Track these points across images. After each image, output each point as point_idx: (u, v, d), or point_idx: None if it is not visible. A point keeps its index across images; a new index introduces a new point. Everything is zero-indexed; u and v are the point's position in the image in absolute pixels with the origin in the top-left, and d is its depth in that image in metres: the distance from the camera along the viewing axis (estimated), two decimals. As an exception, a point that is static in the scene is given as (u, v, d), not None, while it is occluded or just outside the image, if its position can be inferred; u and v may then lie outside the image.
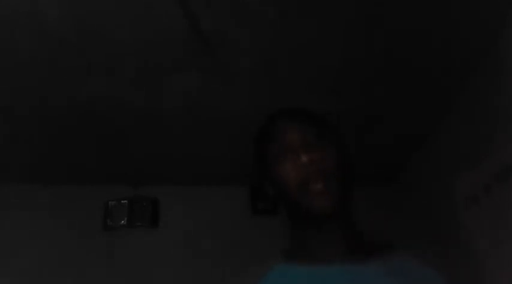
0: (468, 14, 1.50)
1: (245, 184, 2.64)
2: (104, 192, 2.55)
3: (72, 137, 2.16)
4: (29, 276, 2.33)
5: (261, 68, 1.74)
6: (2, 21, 1.47)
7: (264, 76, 1.78)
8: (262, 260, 0.84)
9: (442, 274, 0.78)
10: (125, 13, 1.46)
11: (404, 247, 0.84)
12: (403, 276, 0.75)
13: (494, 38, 1.60)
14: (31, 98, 1.86)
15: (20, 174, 2.47)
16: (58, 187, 2.54)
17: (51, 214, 2.51)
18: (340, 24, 1.55)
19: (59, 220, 2.50)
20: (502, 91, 1.61)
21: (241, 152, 2.26)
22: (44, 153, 2.29)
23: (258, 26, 1.54)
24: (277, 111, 0.90)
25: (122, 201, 2.54)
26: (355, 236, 0.80)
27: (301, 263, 0.77)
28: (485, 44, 1.64)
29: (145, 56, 1.66)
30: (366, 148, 2.32)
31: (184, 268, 2.41)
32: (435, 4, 1.47)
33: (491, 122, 1.70)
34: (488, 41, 1.62)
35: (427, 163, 2.32)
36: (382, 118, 2.11)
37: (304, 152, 0.77)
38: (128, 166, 2.46)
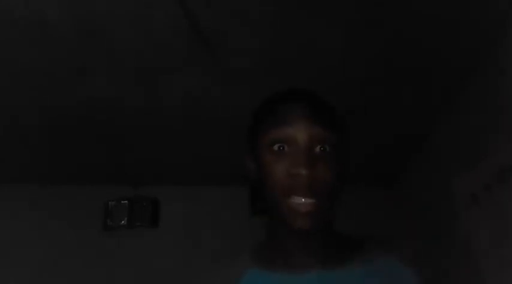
0: (468, 14, 1.50)
1: (245, 185, 2.63)
2: (104, 192, 2.55)
3: (72, 137, 2.16)
4: (29, 276, 2.34)
5: (261, 68, 1.74)
6: (1, 22, 1.46)
7: (264, 76, 1.78)
8: (231, 263, 0.81)
9: (419, 274, 0.77)
10: (125, 13, 1.46)
11: (387, 243, 0.82)
12: (383, 277, 0.74)
13: (494, 38, 1.60)
14: (31, 98, 1.86)
15: (20, 174, 2.47)
16: (58, 187, 2.54)
17: (51, 214, 2.51)
18: (340, 24, 1.55)
19: (59, 220, 2.50)
20: (502, 92, 1.61)
21: (241, 152, 2.26)
22: (44, 153, 2.29)
23: (258, 26, 1.54)
24: (290, 90, 0.80)
25: (122, 201, 2.54)
26: (334, 243, 0.78)
27: (275, 269, 0.75)
28: (485, 44, 1.64)
29: (145, 55, 1.66)
30: (366, 148, 2.32)
31: (184, 268, 2.41)
32: (435, 4, 1.47)
33: (491, 122, 1.70)
34: (488, 41, 1.62)
35: (427, 163, 2.32)
36: (382, 118, 2.11)
37: (307, 165, 0.68)
38: (128, 166, 2.46)
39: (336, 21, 1.53)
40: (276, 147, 0.72)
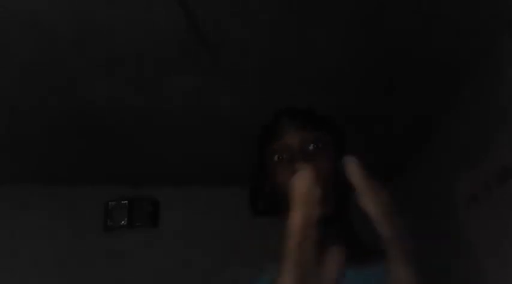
0: (468, 14, 1.50)
1: (245, 185, 2.63)
2: (104, 192, 2.55)
3: (72, 137, 2.16)
4: (29, 276, 2.33)
5: (261, 68, 1.74)
6: (1, 22, 1.46)
7: (264, 77, 1.78)
8: (258, 262, 0.84)
9: None
10: (124, 13, 1.46)
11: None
12: None
13: (494, 38, 1.60)
14: (31, 98, 1.86)
15: (20, 174, 2.47)
16: (58, 187, 2.54)
17: (51, 214, 2.51)
18: (340, 24, 1.55)
19: (59, 220, 2.50)
20: (501, 92, 1.61)
21: (242, 152, 2.26)
22: (44, 153, 2.29)
23: (258, 26, 1.54)
24: (282, 110, 0.92)
25: (122, 201, 2.54)
26: (351, 242, 0.79)
27: None
28: (485, 44, 1.64)
29: (145, 56, 1.66)
30: (366, 148, 2.32)
31: (184, 268, 2.41)
32: (435, 4, 1.47)
33: (491, 122, 1.70)
34: (488, 41, 1.62)
35: (427, 162, 2.32)
36: (382, 118, 2.11)
37: (303, 160, 0.78)
38: (128, 166, 2.46)
39: (336, 20, 1.53)
40: (276, 158, 0.85)
